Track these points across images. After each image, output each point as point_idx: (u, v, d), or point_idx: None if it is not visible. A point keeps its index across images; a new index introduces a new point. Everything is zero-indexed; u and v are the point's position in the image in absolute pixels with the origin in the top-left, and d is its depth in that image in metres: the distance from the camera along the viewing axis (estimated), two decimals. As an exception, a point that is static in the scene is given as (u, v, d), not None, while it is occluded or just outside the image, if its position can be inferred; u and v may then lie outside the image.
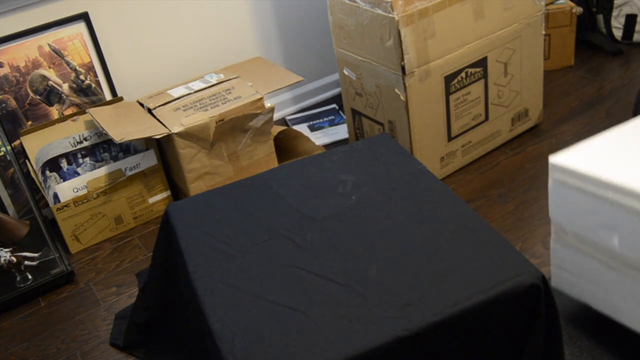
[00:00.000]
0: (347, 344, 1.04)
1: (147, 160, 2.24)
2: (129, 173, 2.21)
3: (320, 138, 2.62)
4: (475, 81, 2.15)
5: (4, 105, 2.24)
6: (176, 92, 2.27)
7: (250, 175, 1.70)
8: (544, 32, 2.30)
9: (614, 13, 2.83)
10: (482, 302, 1.11)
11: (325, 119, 2.76)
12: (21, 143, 2.25)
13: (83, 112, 2.31)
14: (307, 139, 2.43)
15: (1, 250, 2.01)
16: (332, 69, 2.90)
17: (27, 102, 2.28)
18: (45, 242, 2.12)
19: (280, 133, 2.40)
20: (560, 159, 1.30)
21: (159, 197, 2.30)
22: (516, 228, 1.99)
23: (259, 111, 2.19)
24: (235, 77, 2.33)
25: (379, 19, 1.98)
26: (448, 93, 2.11)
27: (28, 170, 2.25)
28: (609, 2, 2.82)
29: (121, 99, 2.37)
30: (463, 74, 2.11)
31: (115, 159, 2.21)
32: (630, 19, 2.83)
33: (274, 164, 2.33)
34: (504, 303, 1.13)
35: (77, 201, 2.09)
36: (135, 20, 2.41)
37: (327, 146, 2.58)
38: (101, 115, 2.18)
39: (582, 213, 1.25)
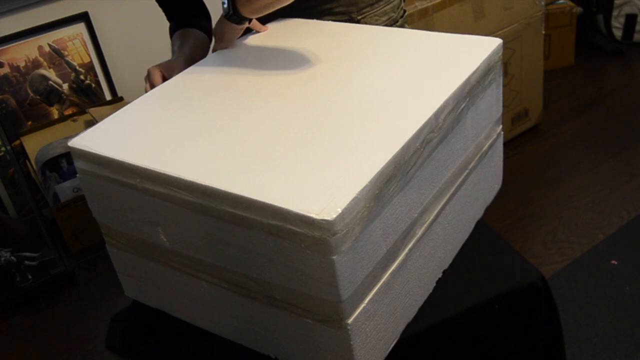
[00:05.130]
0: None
1: (147, 160, 2.24)
2: (129, 173, 2.21)
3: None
4: (475, 81, 2.15)
5: (4, 105, 2.24)
6: (176, 92, 2.26)
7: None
8: (544, 32, 2.30)
9: (614, 13, 2.83)
10: (482, 302, 1.11)
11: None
12: (21, 143, 2.25)
13: (83, 112, 2.31)
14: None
15: (1, 250, 2.01)
16: (332, 69, 2.90)
17: (27, 102, 2.28)
18: (45, 242, 2.12)
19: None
20: (81, 141, 1.03)
21: (159, 197, 2.30)
22: (516, 228, 1.99)
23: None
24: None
25: (379, 19, 1.98)
26: (448, 93, 2.11)
27: (28, 170, 2.25)
28: (609, 2, 2.82)
29: (121, 99, 2.37)
30: (463, 74, 2.11)
31: (115, 159, 2.21)
32: (630, 19, 2.83)
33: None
34: (503, 303, 1.13)
35: (77, 201, 2.09)
36: (135, 20, 2.41)
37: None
38: (101, 115, 2.18)
39: (120, 208, 1.03)
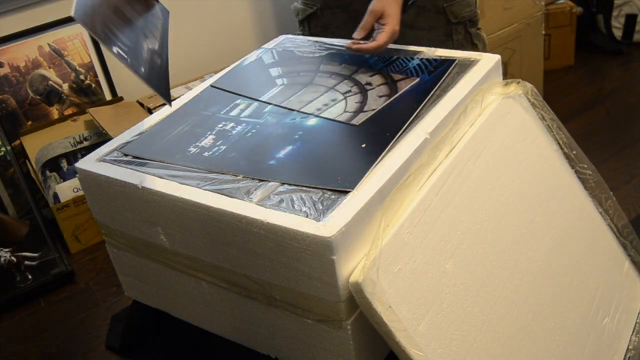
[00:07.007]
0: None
1: (147, 160, 2.24)
2: (129, 173, 2.20)
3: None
4: (475, 81, 2.14)
5: (4, 105, 2.24)
6: (176, 93, 2.27)
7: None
8: (543, 32, 2.31)
9: (614, 13, 2.83)
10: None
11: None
12: (21, 143, 2.25)
13: (83, 112, 2.31)
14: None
15: (1, 250, 2.01)
16: (332, 69, 2.90)
17: (27, 102, 2.28)
18: (45, 242, 2.12)
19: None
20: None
21: (159, 197, 2.30)
22: (516, 228, 1.98)
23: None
24: (235, 77, 2.32)
25: (379, 19, 1.97)
26: (448, 93, 2.11)
27: (28, 170, 2.25)
28: (609, 2, 2.82)
29: (121, 99, 2.37)
30: (463, 74, 2.11)
31: (115, 159, 2.20)
32: (630, 19, 2.83)
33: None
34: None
35: (77, 201, 2.09)
36: (135, 20, 2.41)
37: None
38: (101, 115, 2.18)
39: (120, 208, 1.05)
